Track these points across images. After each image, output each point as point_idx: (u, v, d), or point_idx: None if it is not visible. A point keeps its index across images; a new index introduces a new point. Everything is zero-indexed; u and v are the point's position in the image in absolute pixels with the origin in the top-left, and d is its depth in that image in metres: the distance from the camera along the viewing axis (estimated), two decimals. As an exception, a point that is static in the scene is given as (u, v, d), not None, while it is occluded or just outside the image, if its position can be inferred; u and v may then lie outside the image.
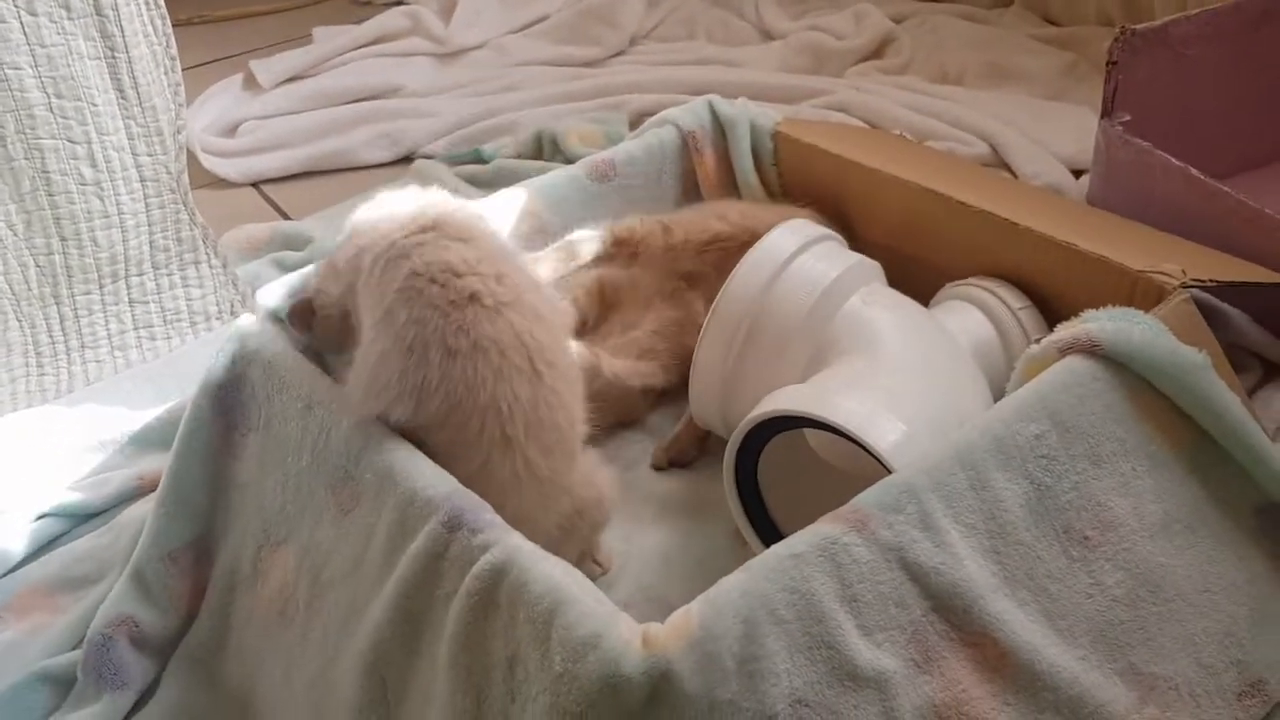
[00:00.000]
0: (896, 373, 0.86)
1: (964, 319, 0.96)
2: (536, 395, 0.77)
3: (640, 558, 0.91)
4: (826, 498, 0.73)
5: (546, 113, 1.68)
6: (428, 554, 0.70)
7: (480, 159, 1.60)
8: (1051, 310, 0.94)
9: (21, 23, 1.07)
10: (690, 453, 1.02)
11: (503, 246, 0.83)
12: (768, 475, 0.87)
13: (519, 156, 1.59)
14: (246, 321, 0.92)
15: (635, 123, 1.63)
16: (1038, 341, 0.83)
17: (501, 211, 1.06)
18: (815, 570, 0.63)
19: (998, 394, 0.86)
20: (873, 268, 0.97)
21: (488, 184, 1.51)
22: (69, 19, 1.10)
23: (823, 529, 0.66)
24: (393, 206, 0.86)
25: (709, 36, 1.97)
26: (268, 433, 0.87)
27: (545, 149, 1.59)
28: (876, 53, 1.83)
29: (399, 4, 2.18)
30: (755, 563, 0.64)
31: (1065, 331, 0.78)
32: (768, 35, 1.94)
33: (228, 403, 0.89)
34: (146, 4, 1.16)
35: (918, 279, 1.00)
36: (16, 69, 1.08)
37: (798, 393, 0.83)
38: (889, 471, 0.74)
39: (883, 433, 0.77)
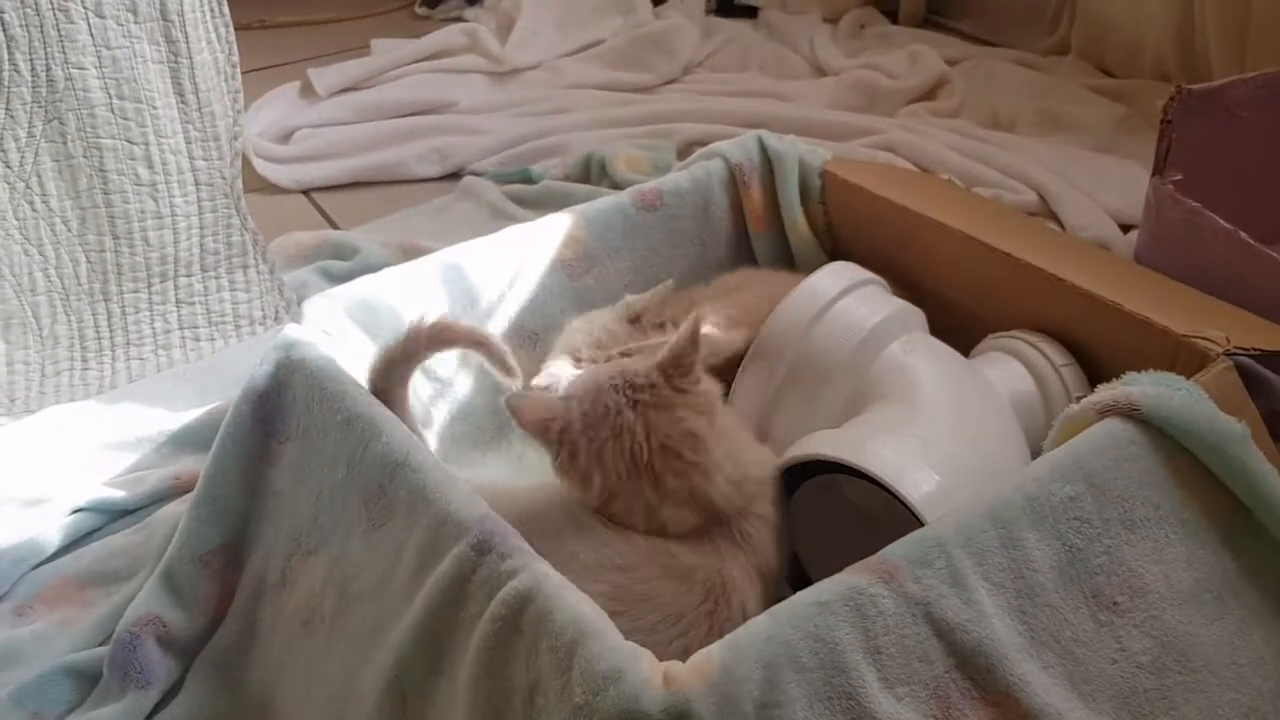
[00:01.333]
0: (933, 422, 0.86)
1: (1005, 371, 0.95)
2: None
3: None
4: (856, 544, 0.73)
5: (596, 136, 1.69)
6: (455, 576, 0.70)
7: (528, 179, 1.61)
8: (1093, 368, 0.94)
9: (89, 24, 1.10)
10: None
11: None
12: (799, 517, 0.87)
13: (566, 179, 1.60)
14: (293, 330, 0.93)
15: (684, 151, 1.65)
16: (1079, 400, 0.82)
17: (545, 236, 1.07)
18: (840, 620, 0.63)
19: (1035, 449, 0.85)
20: (915, 314, 0.97)
21: (534, 204, 1.52)
22: (135, 23, 1.12)
23: (850, 579, 0.65)
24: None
25: (762, 69, 1.98)
26: (305, 442, 0.88)
27: (593, 173, 1.60)
28: (929, 94, 1.83)
29: (458, 20, 2.21)
30: (780, 608, 0.64)
31: (1105, 393, 0.78)
32: (821, 71, 1.95)
33: (268, 410, 0.90)
34: (211, 11, 1.18)
35: (960, 328, 1.00)
36: (81, 69, 1.11)
37: (833, 437, 0.83)
38: (920, 522, 0.73)
39: (916, 483, 0.77)
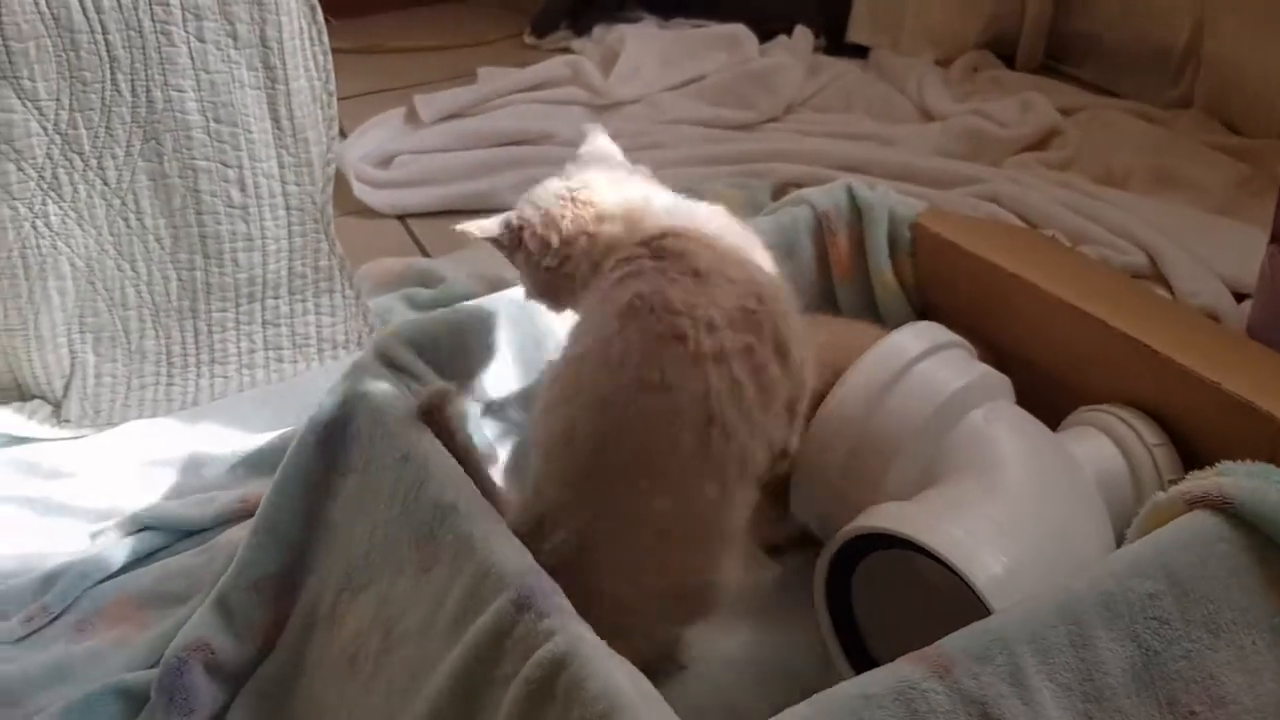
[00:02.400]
0: (1011, 501, 0.81)
1: (1094, 448, 0.90)
2: (703, 458, 0.76)
3: (721, 658, 0.87)
4: (921, 622, 0.69)
5: (692, 173, 1.67)
6: (493, 631, 0.69)
7: (619, 214, 1.60)
8: (1190, 451, 0.88)
9: (190, 48, 1.12)
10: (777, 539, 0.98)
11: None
12: (862, 588, 0.83)
13: (658, 215, 1.58)
14: (361, 361, 0.93)
15: (778, 191, 1.62)
16: (1173, 482, 0.77)
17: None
18: (888, 715, 0.59)
19: (1121, 534, 0.80)
20: (1000, 382, 0.92)
21: (622, 240, 1.51)
22: (234, 48, 1.14)
23: (902, 669, 0.61)
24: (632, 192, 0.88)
25: (867, 110, 1.94)
26: (365, 477, 0.87)
27: (685, 210, 1.58)
28: (1040, 144, 1.77)
29: (566, 51, 2.22)
30: (823, 697, 0.60)
31: (1196, 482, 0.73)
32: (928, 115, 1.90)
33: (332, 441, 0.90)
34: (310, 40, 1.20)
35: (1049, 399, 0.95)
36: (180, 91, 1.13)
37: (901, 511, 0.79)
38: (987, 610, 0.69)
39: (985, 566, 0.73)
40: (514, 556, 0.72)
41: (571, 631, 0.65)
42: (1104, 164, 1.68)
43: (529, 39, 2.34)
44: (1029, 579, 0.73)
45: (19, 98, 1.08)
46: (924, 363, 0.89)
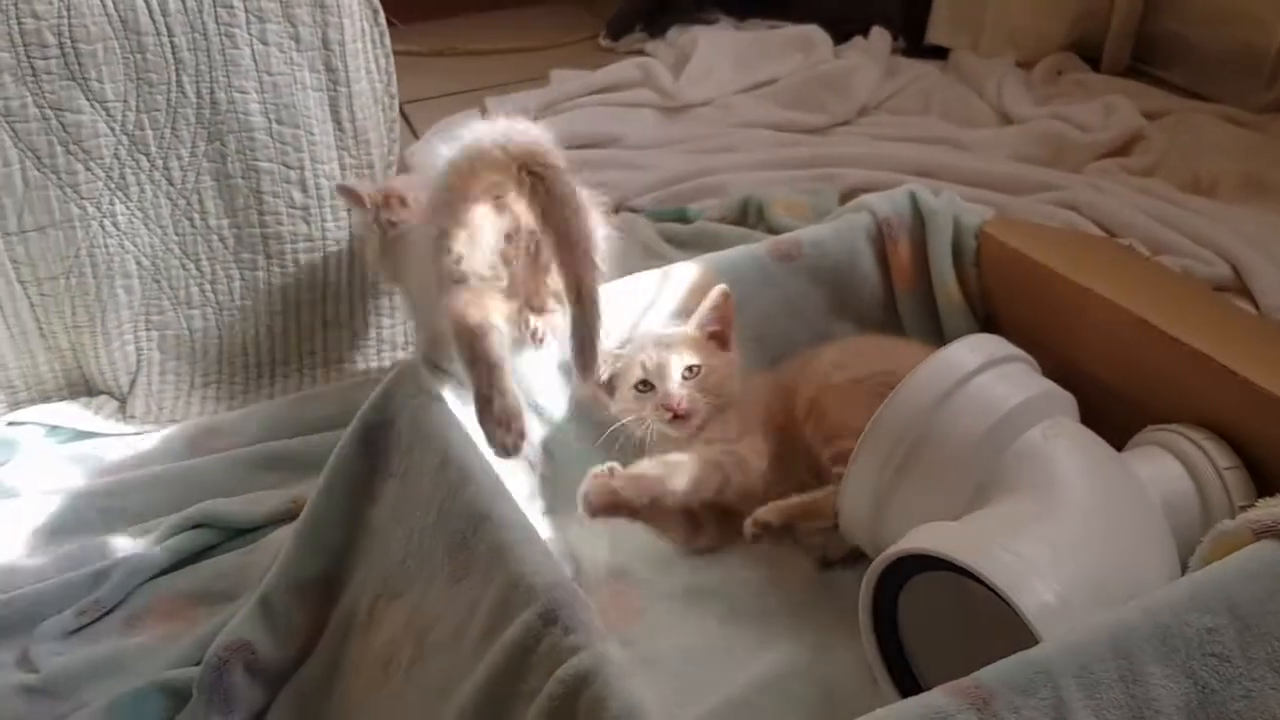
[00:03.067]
0: (1069, 523, 0.77)
1: (1161, 470, 0.86)
2: None
3: (764, 674, 0.85)
4: (970, 645, 0.67)
5: (759, 178, 1.65)
6: (520, 645, 0.67)
7: (684, 218, 1.58)
8: (1263, 475, 0.83)
9: (253, 50, 1.13)
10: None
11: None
12: (909, 608, 0.80)
13: (723, 220, 1.56)
14: (405, 365, 0.92)
15: (847, 197, 1.58)
16: (1244, 509, 0.73)
17: (672, 284, 1.03)
18: (919, 748, 0.57)
19: (1186, 561, 0.76)
20: (1064, 399, 0.88)
21: (685, 244, 1.49)
22: (297, 50, 1.15)
23: (937, 700, 0.59)
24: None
25: (944, 114, 1.90)
26: (404, 482, 0.87)
27: (750, 215, 1.55)
28: (1123, 150, 1.71)
29: (640, 53, 2.20)
30: (853, 727, 0.58)
31: (1265, 510, 0.69)
32: (1006, 119, 1.84)
33: (374, 445, 0.90)
34: (372, 42, 1.20)
35: (1115, 417, 0.90)
36: (243, 93, 1.14)
37: (951, 532, 0.76)
38: (1035, 637, 0.66)
39: (1035, 593, 0.69)
40: (545, 568, 0.71)
41: (596, 650, 0.64)
42: (1190, 170, 1.62)
43: (604, 41, 2.33)
44: (1084, 607, 0.70)
45: (87, 99, 1.10)
46: (980, 377, 0.86)
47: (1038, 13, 2.03)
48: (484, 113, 1.91)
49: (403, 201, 1.07)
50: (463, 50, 2.31)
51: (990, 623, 0.80)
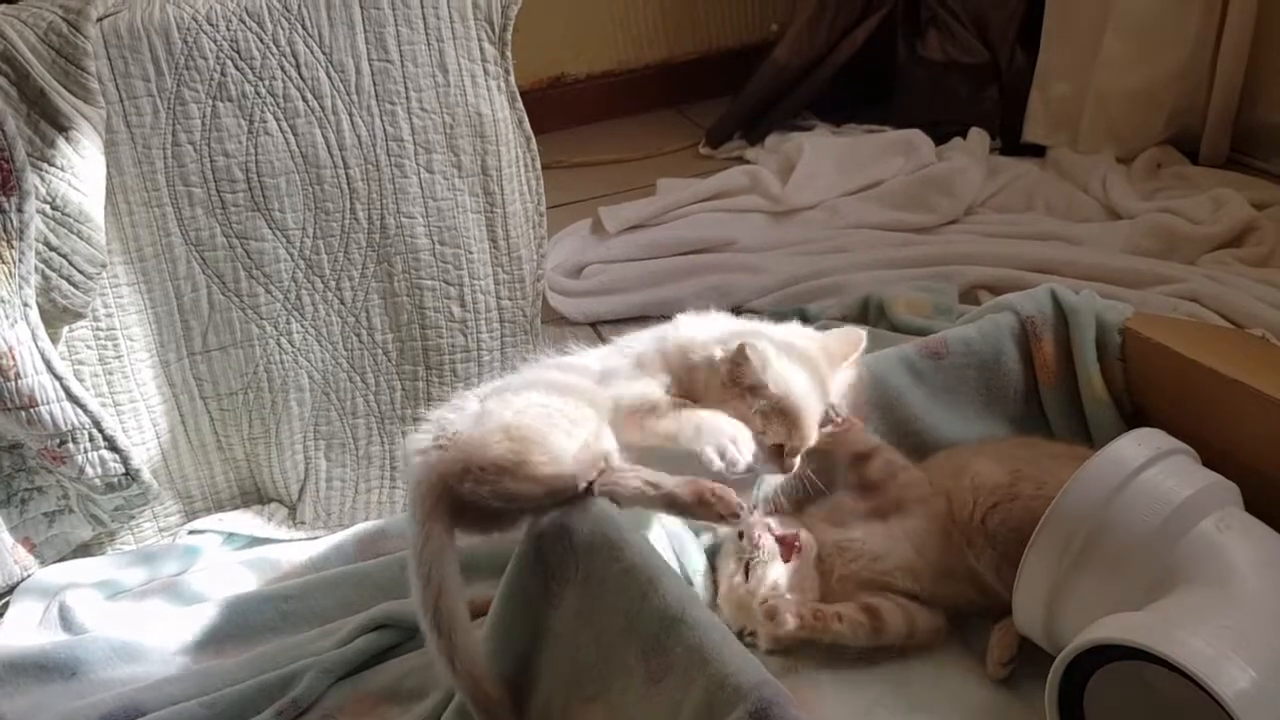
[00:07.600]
0: (1251, 612, 0.79)
1: (1334, 558, 0.87)
2: None
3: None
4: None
5: (874, 277, 1.69)
6: (733, 741, 0.70)
7: (804, 318, 1.62)
8: None
9: (420, 179, 1.22)
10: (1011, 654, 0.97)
11: None
12: (1095, 702, 0.82)
13: (844, 319, 1.60)
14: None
15: (965, 294, 1.62)
16: None
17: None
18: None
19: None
20: (1230, 489, 0.90)
21: (814, 345, 1.53)
22: (459, 177, 1.23)
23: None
24: None
25: (1049, 209, 1.93)
26: (585, 587, 0.89)
27: (871, 313, 1.59)
28: (1235, 241, 1.73)
29: (740, 160, 2.28)
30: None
31: None
32: (1113, 213, 1.87)
33: (548, 551, 0.92)
34: (525, 166, 1.28)
35: (1274, 505, 0.92)
36: (410, 218, 1.22)
37: (1137, 621, 0.78)
38: (1237, 725, 0.68)
39: (1231, 679, 0.71)
40: (749, 667, 0.73)
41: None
42: (1306, 259, 1.63)
43: (704, 149, 2.41)
44: (1276, 695, 0.71)
45: (270, 227, 1.18)
46: (1149, 470, 0.89)
47: (1135, 108, 2.07)
48: (595, 224, 1.99)
49: None
50: (569, 163, 2.40)
51: (1178, 716, 0.81)
